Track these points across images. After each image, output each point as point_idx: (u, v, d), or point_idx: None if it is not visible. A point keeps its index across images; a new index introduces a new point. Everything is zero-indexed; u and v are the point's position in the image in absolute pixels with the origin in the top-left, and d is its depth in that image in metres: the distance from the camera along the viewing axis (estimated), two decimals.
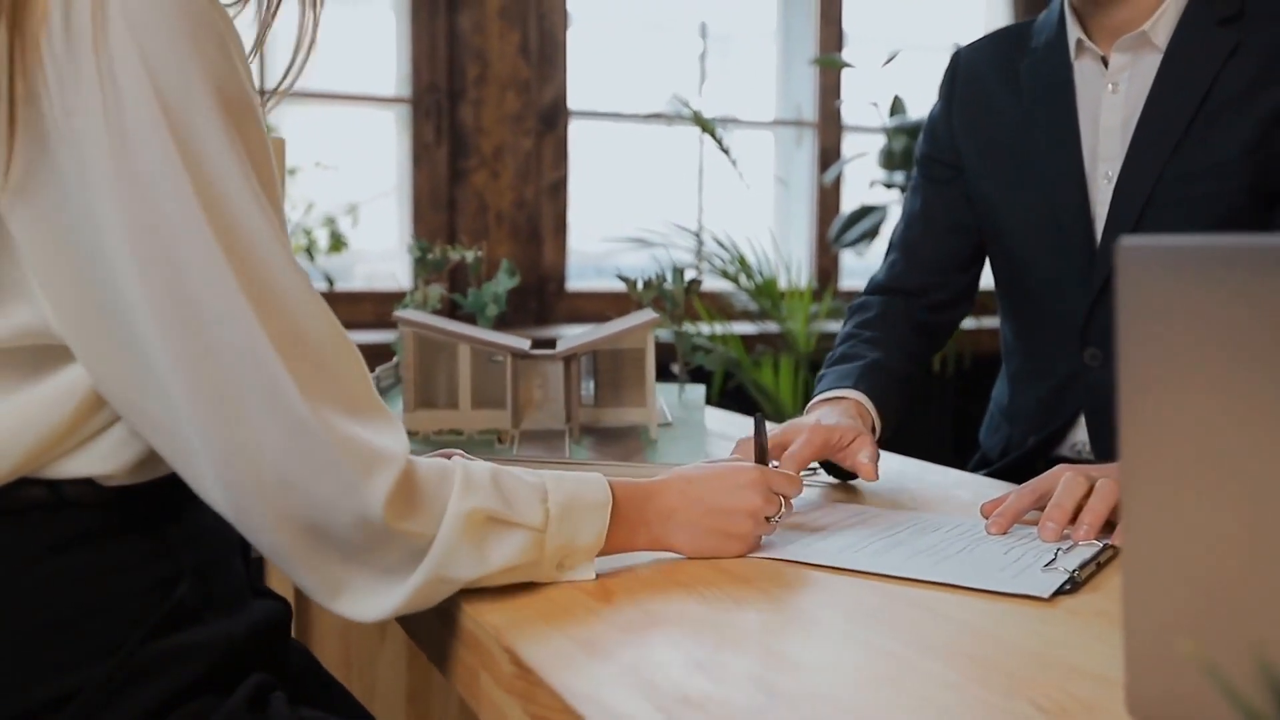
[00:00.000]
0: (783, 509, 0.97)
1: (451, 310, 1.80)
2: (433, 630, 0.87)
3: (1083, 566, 0.90)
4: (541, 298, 2.93)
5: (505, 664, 0.74)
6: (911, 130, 3.11)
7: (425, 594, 0.77)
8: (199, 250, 0.71)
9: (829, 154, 3.34)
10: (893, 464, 1.32)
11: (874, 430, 1.27)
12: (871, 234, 3.08)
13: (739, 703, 0.65)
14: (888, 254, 1.56)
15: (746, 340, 2.77)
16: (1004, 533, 1.01)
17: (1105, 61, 1.37)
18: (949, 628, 0.78)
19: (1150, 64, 1.33)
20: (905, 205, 1.57)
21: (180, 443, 0.74)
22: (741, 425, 1.63)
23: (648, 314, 1.40)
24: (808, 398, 1.34)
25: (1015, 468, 1.44)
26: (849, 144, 3.37)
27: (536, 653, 0.73)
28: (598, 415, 1.39)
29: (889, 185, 3.13)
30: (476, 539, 0.78)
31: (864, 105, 3.28)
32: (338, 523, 0.74)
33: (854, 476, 1.21)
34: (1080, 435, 1.42)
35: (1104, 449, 1.38)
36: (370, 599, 0.77)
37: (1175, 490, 0.57)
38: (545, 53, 2.92)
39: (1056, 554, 0.93)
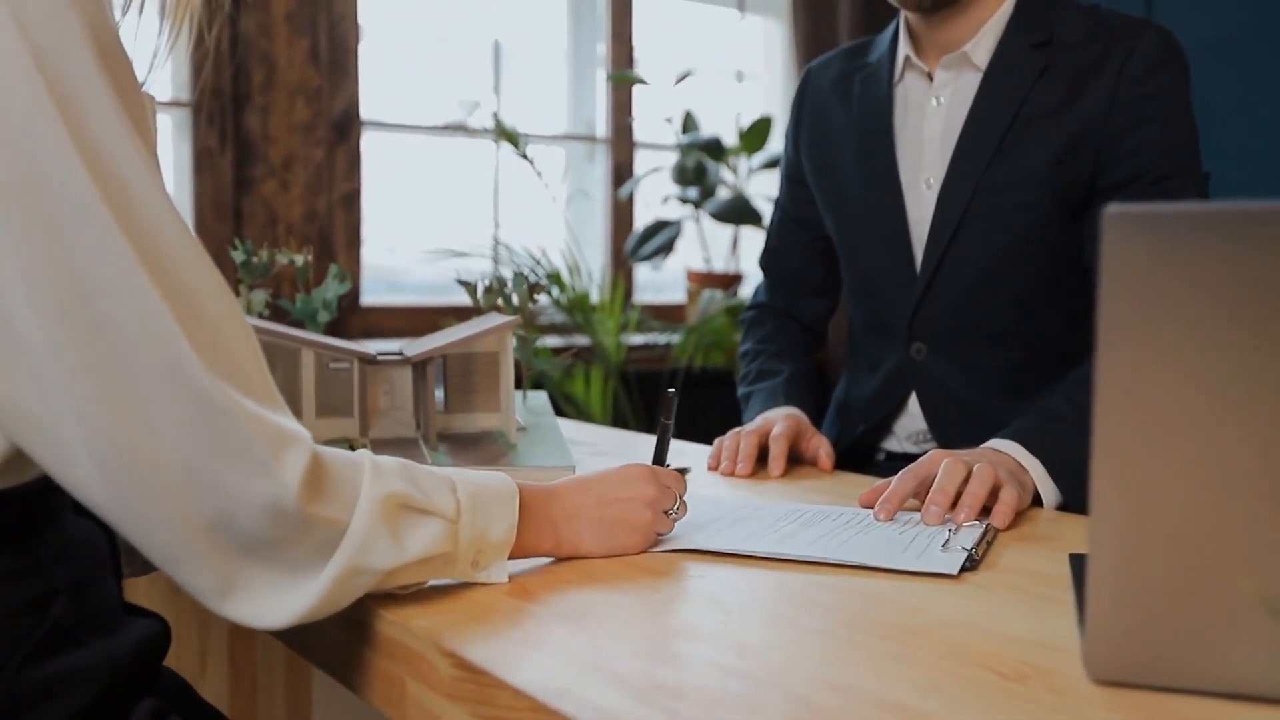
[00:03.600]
0: (678, 504, 0.96)
1: (278, 317, 1.70)
2: (335, 643, 0.81)
3: (977, 545, 0.93)
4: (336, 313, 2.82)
5: (445, 668, 0.69)
6: (704, 146, 3.18)
7: (339, 589, 0.71)
8: (85, 214, 0.63)
9: (622, 169, 3.37)
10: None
11: None
12: (667, 248, 3.12)
13: (719, 687, 0.63)
14: (762, 267, 1.72)
15: (554, 352, 2.74)
16: (891, 518, 1.03)
17: (931, 77, 1.44)
18: (877, 607, 0.79)
19: (971, 81, 1.41)
20: (772, 214, 1.71)
21: (56, 436, 0.65)
22: (602, 435, 1.61)
23: (498, 317, 1.36)
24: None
25: (846, 456, 1.50)
26: (640, 160, 3.41)
27: (480, 653, 0.69)
28: (448, 422, 1.34)
29: (683, 200, 3.19)
30: (392, 525, 0.73)
31: (654, 122, 3.32)
32: (245, 513, 0.66)
33: None
34: (915, 425, 1.49)
35: (943, 435, 1.44)
36: (275, 601, 0.69)
37: (1147, 453, 0.59)
38: (336, 60, 2.82)
39: (949, 535, 0.96)
